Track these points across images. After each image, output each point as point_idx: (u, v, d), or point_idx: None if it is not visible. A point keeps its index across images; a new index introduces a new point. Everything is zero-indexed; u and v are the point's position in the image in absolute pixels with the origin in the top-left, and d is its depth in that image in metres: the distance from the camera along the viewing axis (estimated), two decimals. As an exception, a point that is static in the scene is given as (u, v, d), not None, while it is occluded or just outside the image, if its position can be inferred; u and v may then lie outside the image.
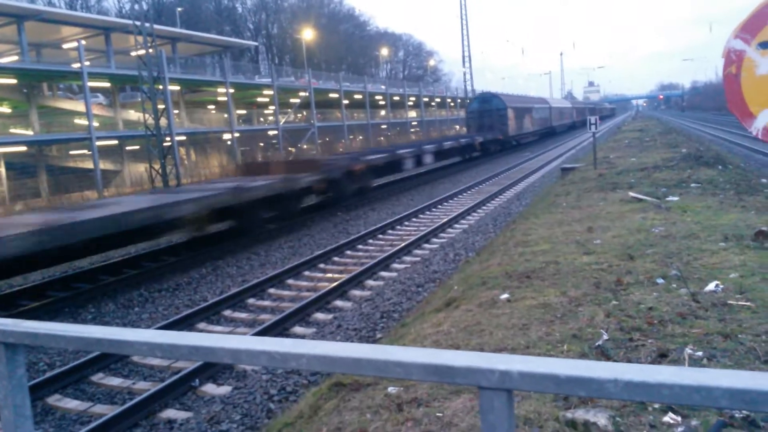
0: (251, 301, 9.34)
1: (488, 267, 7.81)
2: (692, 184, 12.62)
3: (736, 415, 3.29)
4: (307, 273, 10.83)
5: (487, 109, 41.33)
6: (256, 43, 61.46)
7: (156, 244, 13.49)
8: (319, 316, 8.50)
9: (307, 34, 53.61)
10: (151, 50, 26.27)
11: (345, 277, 10.00)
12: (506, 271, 7.03)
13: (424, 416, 3.62)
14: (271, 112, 41.59)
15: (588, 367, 1.22)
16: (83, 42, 28.99)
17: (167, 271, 11.38)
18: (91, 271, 11.47)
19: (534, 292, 5.81)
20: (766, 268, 5.75)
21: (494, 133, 39.47)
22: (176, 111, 35.35)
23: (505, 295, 5.90)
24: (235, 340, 1.59)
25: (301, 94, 42.96)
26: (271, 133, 42.38)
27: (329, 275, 10.62)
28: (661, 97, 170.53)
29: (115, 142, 32.78)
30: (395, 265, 10.99)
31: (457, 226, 14.52)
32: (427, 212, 16.86)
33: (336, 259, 11.77)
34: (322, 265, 11.30)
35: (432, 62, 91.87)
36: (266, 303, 9.29)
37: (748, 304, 4.85)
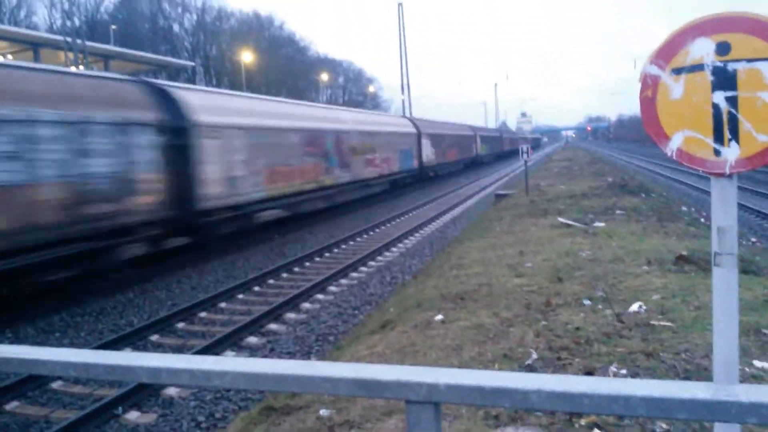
0: (181, 325, 9.03)
1: (424, 289, 7.86)
2: (617, 211, 13.21)
3: (657, 430, 3.41)
4: (240, 296, 10.58)
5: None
6: (193, 64, 60.48)
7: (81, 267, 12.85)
8: (252, 340, 8.30)
9: (246, 57, 53.23)
10: (82, 67, 25.42)
11: (280, 300, 9.83)
12: (441, 293, 7.10)
13: (355, 438, 3.57)
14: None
15: (512, 378, 1.23)
16: (9, 57, 27.74)
17: (91, 295, 10.84)
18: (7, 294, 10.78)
19: (467, 314, 5.88)
20: (686, 291, 6.05)
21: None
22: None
23: (439, 317, 5.95)
24: (155, 358, 1.51)
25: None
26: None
27: (263, 298, 10.42)
28: (589, 128, 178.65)
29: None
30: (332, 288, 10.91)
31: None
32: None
33: (271, 281, 11.57)
34: (257, 288, 11.07)
35: (372, 88, 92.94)
36: (197, 328, 8.99)
37: (669, 324, 5.07)
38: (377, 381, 1.28)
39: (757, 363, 4.12)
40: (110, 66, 37.24)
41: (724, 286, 2.14)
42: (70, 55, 25.59)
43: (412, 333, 5.62)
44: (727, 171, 2.10)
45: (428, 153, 34.70)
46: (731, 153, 2.09)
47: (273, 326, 8.85)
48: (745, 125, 2.06)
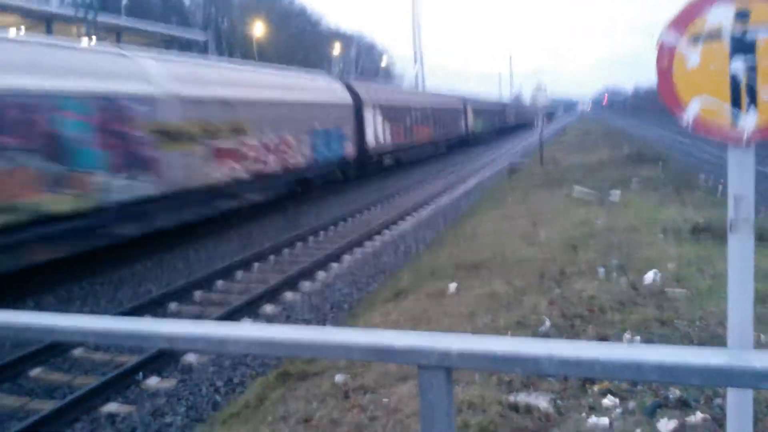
0: (198, 294, 9.16)
1: (437, 258, 7.90)
2: (633, 181, 13.08)
3: (670, 396, 3.43)
4: (257, 265, 10.69)
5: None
6: (205, 37, 60.18)
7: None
8: (269, 308, 8.41)
9: (258, 29, 52.81)
10: (94, 38, 25.40)
11: (295, 269, 9.93)
12: (455, 262, 7.13)
13: (370, 403, 3.63)
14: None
15: (524, 344, 1.24)
16: (23, 31, 27.74)
17: (110, 264, 11.01)
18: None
19: (481, 282, 5.92)
20: (702, 260, 6.02)
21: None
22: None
23: (453, 285, 5.99)
24: (171, 324, 1.52)
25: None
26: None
27: (278, 267, 10.52)
28: (606, 101, 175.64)
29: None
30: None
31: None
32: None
33: (286, 251, 11.67)
34: (272, 258, 11.18)
35: (384, 61, 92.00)
36: (214, 296, 9.12)
37: (684, 292, 5.07)
38: (390, 346, 1.29)
39: (772, 331, 4.12)
40: (122, 39, 37.17)
41: (740, 253, 2.14)
42: (82, 29, 25.52)
43: (425, 301, 5.67)
44: (745, 139, 2.08)
45: (374, 133, 24.04)
46: (749, 121, 2.06)
47: (289, 295, 8.95)
48: (763, 93, 2.03)
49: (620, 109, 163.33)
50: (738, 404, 2.20)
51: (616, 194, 11.07)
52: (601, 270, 5.90)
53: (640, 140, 33.47)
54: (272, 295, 8.86)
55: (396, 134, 26.58)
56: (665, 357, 1.12)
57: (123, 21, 39.32)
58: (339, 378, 4.12)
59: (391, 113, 25.90)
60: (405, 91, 34.13)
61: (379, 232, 13.03)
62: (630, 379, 1.19)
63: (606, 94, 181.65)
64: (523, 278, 5.84)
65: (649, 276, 5.58)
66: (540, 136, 21.96)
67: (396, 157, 26.82)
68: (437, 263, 7.65)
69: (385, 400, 3.64)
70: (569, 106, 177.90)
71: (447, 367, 1.25)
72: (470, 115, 42.27)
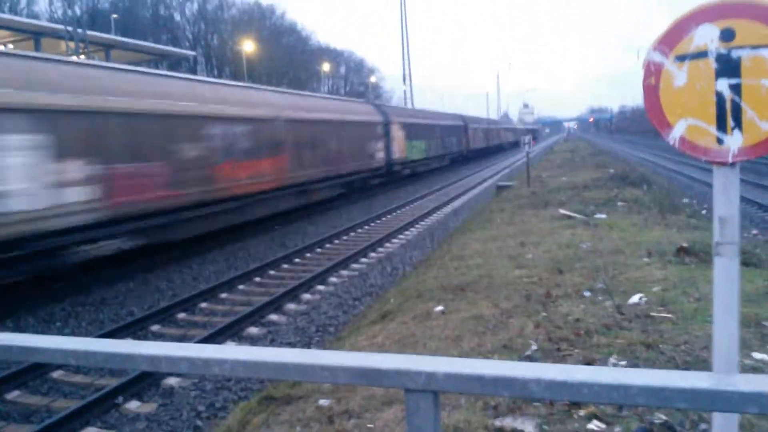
0: (182, 315, 9.04)
1: (424, 280, 7.86)
2: (619, 203, 13.18)
3: (655, 421, 3.41)
4: (241, 287, 10.59)
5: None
6: (194, 53, 60.34)
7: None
8: (253, 330, 8.31)
9: (248, 46, 53.05)
10: (83, 57, 25.36)
11: (281, 290, 9.84)
12: (441, 284, 7.10)
13: (354, 428, 3.57)
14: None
15: (512, 367, 1.23)
16: (10, 46, 27.66)
17: (93, 285, 10.86)
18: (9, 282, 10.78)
19: (468, 305, 5.88)
20: (687, 282, 6.04)
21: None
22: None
23: (439, 308, 5.95)
24: (154, 346, 1.51)
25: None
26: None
27: (264, 289, 10.43)
28: (592, 120, 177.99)
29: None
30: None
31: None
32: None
33: (272, 272, 11.58)
34: (257, 279, 11.08)
35: (373, 79, 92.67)
36: (197, 318, 9.01)
37: (669, 315, 5.06)
38: (376, 369, 1.28)
39: (757, 355, 4.12)
40: (111, 55, 37.15)
41: (725, 276, 2.13)
42: (71, 44, 25.49)
43: (411, 324, 5.63)
44: (730, 159, 2.08)
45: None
46: (734, 141, 2.07)
47: (273, 317, 8.86)
48: (748, 113, 2.03)
49: (606, 129, 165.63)
50: (723, 428, 2.18)
51: (601, 217, 11.14)
52: (587, 293, 5.89)
53: (625, 161, 33.84)
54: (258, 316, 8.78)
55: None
56: (651, 380, 1.12)
57: (113, 37, 39.29)
58: (323, 402, 4.05)
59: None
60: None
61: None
62: (617, 403, 1.19)
63: (591, 115, 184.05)
64: (509, 300, 5.82)
65: (635, 299, 5.59)
66: (527, 157, 22.13)
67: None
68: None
69: (370, 425, 3.58)
70: (556, 124, 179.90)
71: (434, 390, 1.24)
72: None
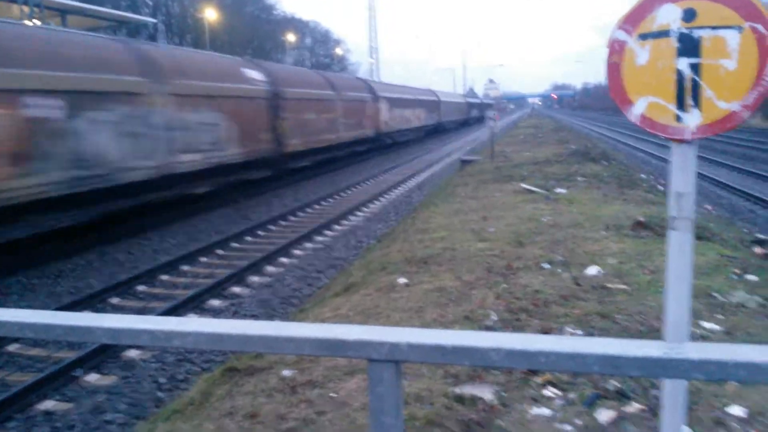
0: (142, 288, 8.91)
1: (388, 253, 7.91)
2: (579, 178, 13.42)
3: (609, 388, 3.54)
4: (204, 259, 10.48)
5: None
6: (155, 20, 58.35)
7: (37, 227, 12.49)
8: (215, 302, 8.26)
9: (210, 14, 51.58)
10: (38, 22, 24.28)
11: (244, 263, 9.78)
12: (405, 257, 7.15)
13: (318, 397, 3.61)
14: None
15: (472, 337, 1.26)
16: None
17: (49, 257, 10.59)
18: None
19: (431, 277, 5.95)
20: (642, 255, 6.23)
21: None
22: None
23: (403, 280, 6.00)
24: (115, 319, 1.49)
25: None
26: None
27: (226, 261, 10.34)
28: (555, 96, 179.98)
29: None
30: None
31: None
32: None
33: (235, 245, 11.47)
34: (220, 252, 10.98)
35: (339, 51, 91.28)
36: (158, 290, 8.89)
37: (624, 287, 5.22)
38: (341, 340, 1.29)
39: (706, 324, 4.29)
40: (67, 21, 35.67)
41: (679, 249, 2.20)
42: (25, 8, 24.37)
43: (375, 296, 5.67)
44: (688, 137, 2.14)
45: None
46: (692, 119, 2.12)
47: (236, 289, 8.81)
48: (706, 92, 2.09)
49: (568, 105, 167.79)
50: (673, 395, 2.28)
51: (561, 191, 11.34)
52: (547, 265, 6.02)
53: (586, 137, 34.39)
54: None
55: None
56: (607, 349, 1.15)
57: (69, 2, 37.64)
58: (286, 373, 4.07)
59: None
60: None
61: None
62: (573, 371, 1.23)
63: (554, 92, 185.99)
64: (471, 273, 5.91)
65: (592, 271, 5.74)
66: (491, 132, 22.25)
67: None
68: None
69: (333, 394, 3.62)
70: (520, 101, 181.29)
71: (397, 360, 1.26)
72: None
